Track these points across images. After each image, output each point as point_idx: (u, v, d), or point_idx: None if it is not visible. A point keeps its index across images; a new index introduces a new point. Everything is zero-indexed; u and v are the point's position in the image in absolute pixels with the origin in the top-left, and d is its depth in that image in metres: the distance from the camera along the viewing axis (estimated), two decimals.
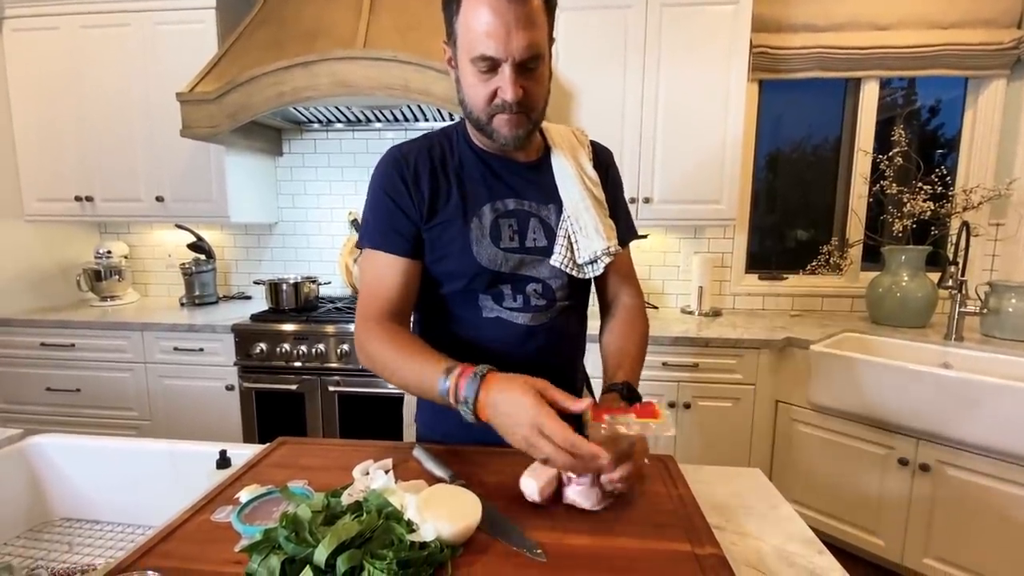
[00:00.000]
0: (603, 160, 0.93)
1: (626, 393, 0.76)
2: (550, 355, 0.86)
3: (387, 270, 0.80)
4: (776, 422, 1.92)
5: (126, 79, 2.18)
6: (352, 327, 1.92)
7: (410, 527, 0.56)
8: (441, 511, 0.57)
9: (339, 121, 2.35)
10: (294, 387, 1.97)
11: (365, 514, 0.57)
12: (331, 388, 1.96)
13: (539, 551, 0.56)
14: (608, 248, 0.82)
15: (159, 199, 2.23)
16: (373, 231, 0.81)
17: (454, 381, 0.66)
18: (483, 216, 0.81)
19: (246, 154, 2.28)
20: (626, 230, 0.94)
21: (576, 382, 0.96)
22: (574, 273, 0.83)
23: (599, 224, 0.82)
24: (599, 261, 0.83)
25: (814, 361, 1.77)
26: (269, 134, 2.40)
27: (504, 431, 0.62)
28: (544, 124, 0.88)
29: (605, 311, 0.98)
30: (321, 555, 0.49)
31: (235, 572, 0.51)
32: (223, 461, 0.85)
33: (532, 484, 0.65)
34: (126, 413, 2.11)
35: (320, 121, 2.36)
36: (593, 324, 0.96)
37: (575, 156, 0.88)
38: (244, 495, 0.66)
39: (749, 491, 0.76)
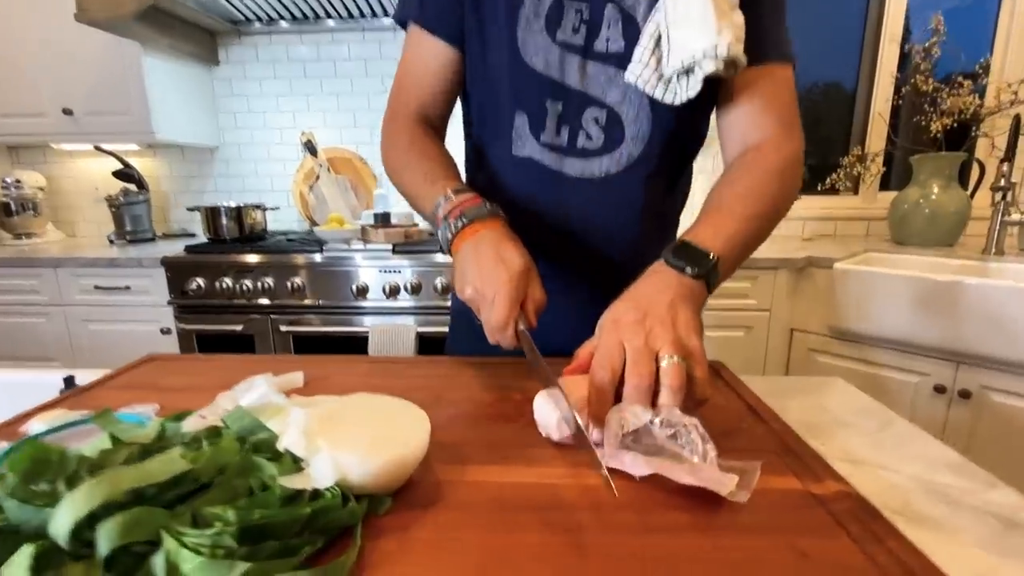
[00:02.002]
0: None
1: (673, 257, 0.46)
2: (595, 232, 0.60)
3: (422, 57, 0.64)
4: (790, 353, 1.71)
5: None
6: (312, 256, 1.65)
7: (297, 464, 0.30)
8: (351, 437, 0.31)
9: (283, 18, 1.98)
10: (239, 327, 1.69)
11: (207, 446, 0.30)
12: (284, 328, 1.68)
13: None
14: (715, 48, 0.49)
15: (67, 112, 1.86)
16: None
17: (461, 199, 0.53)
18: None
19: (170, 58, 1.91)
20: (772, 38, 0.57)
21: None
22: (655, 93, 0.53)
23: (708, 10, 0.49)
24: (696, 70, 0.50)
25: (838, 281, 1.55)
26: (199, 36, 2.01)
27: (459, 275, 0.50)
28: None
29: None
30: (63, 523, 0.23)
31: None
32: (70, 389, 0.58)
33: (551, 416, 0.39)
34: (46, 364, 1.82)
35: (260, 19, 1.98)
36: None
37: None
38: (37, 425, 0.40)
39: (839, 405, 0.51)
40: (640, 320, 0.41)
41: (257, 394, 0.35)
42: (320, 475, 0.28)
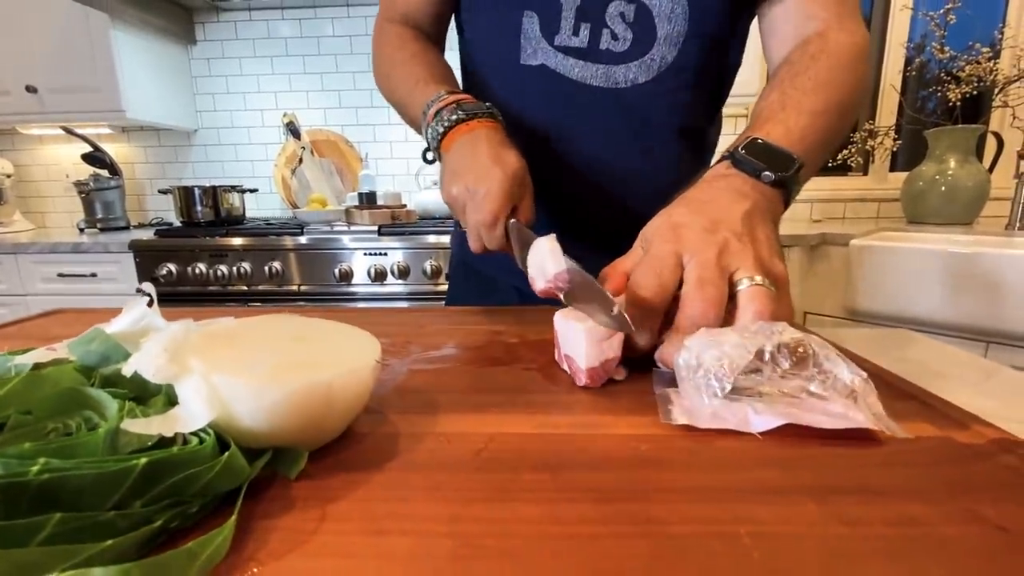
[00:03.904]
0: None
1: (745, 155, 0.35)
2: (621, 159, 0.50)
3: None
4: None
5: None
6: (292, 239, 1.53)
7: (169, 401, 0.19)
8: (246, 357, 0.20)
9: None
10: None
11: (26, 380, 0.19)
12: None
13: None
14: None
15: (30, 89, 1.74)
16: None
17: (457, 96, 0.46)
18: None
19: (143, 34, 1.79)
20: None
21: None
22: None
23: None
24: None
25: (855, 259, 1.45)
26: (174, 12, 1.90)
27: (448, 172, 0.43)
28: None
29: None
30: None
31: None
32: None
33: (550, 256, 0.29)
34: None
35: None
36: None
37: None
38: None
39: (925, 355, 0.41)
40: (710, 229, 0.30)
41: (131, 318, 0.24)
42: (188, 411, 0.17)
